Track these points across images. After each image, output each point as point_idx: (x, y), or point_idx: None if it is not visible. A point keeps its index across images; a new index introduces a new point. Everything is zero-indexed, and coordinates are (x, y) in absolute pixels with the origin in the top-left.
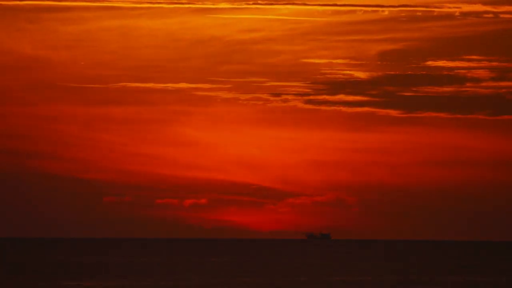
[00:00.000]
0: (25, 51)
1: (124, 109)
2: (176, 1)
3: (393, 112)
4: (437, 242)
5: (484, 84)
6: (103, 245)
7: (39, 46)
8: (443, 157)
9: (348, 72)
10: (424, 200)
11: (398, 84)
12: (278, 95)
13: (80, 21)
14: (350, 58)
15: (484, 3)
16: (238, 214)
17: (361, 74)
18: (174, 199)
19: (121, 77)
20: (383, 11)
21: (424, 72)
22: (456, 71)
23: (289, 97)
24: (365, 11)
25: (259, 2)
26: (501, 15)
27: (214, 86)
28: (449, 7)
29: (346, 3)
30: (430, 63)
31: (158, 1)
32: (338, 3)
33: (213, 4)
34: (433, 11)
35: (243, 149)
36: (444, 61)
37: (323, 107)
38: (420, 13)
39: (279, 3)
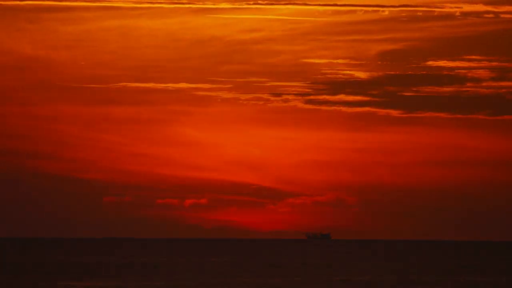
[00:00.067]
0: (25, 51)
1: (124, 109)
2: (176, 1)
3: (393, 112)
4: (437, 242)
5: (484, 84)
6: (103, 245)
7: (39, 46)
8: (443, 157)
9: (348, 72)
10: (424, 200)
11: (398, 84)
12: (279, 95)
13: (80, 21)
14: (350, 58)
15: (485, 3)
16: (238, 214)
17: (361, 74)
18: (174, 199)
19: (121, 77)
20: (383, 11)
21: (424, 72)
22: (456, 71)
23: (290, 97)
24: (366, 11)
25: (260, 2)
26: (502, 15)
27: (214, 86)
28: (450, 7)
29: (347, 3)
30: (430, 63)
31: (158, 1)
32: (339, 3)
33: (214, 4)
34: (434, 11)
35: (244, 149)
36: (445, 61)
37: (323, 107)
38: (420, 13)
39: (280, 3)
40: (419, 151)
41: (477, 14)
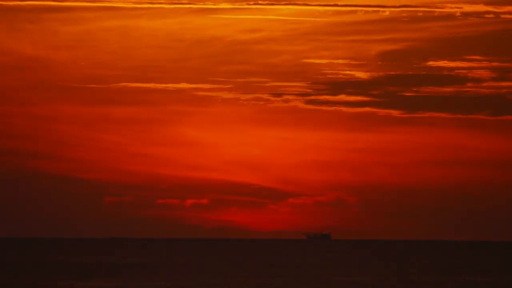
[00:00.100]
0: (25, 51)
1: (124, 109)
2: (176, 1)
3: (394, 112)
4: (437, 242)
5: (485, 84)
6: (104, 245)
7: (40, 46)
8: (443, 157)
9: (349, 72)
10: (424, 200)
11: (399, 84)
12: (279, 95)
13: (81, 21)
14: (351, 58)
15: (486, 3)
16: (238, 214)
17: (362, 74)
18: (174, 199)
19: (121, 77)
20: (384, 11)
21: (425, 72)
22: (457, 71)
23: (290, 97)
24: (366, 12)
25: (260, 2)
26: (502, 16)
27: (214, 86)
28: (450, 7)
29: (347, 3)
30: (431, 63)
31: (159, 1)
32: (339, 3)
33: (214, 5)
34: (434, 11)
35: (244, 149)
36: (445, 61)
37: (324, 107)
38: (421, 14)
39: (280, 3)
40: (419, 151)
41: (478, 14)
